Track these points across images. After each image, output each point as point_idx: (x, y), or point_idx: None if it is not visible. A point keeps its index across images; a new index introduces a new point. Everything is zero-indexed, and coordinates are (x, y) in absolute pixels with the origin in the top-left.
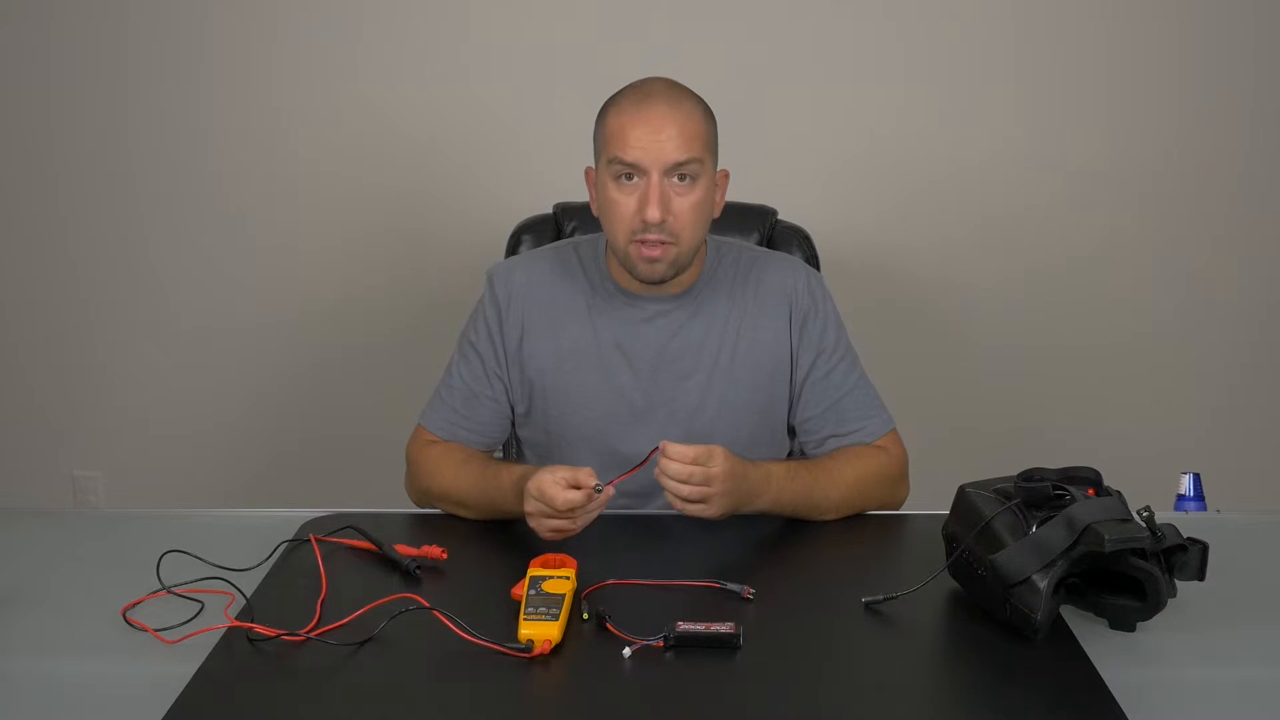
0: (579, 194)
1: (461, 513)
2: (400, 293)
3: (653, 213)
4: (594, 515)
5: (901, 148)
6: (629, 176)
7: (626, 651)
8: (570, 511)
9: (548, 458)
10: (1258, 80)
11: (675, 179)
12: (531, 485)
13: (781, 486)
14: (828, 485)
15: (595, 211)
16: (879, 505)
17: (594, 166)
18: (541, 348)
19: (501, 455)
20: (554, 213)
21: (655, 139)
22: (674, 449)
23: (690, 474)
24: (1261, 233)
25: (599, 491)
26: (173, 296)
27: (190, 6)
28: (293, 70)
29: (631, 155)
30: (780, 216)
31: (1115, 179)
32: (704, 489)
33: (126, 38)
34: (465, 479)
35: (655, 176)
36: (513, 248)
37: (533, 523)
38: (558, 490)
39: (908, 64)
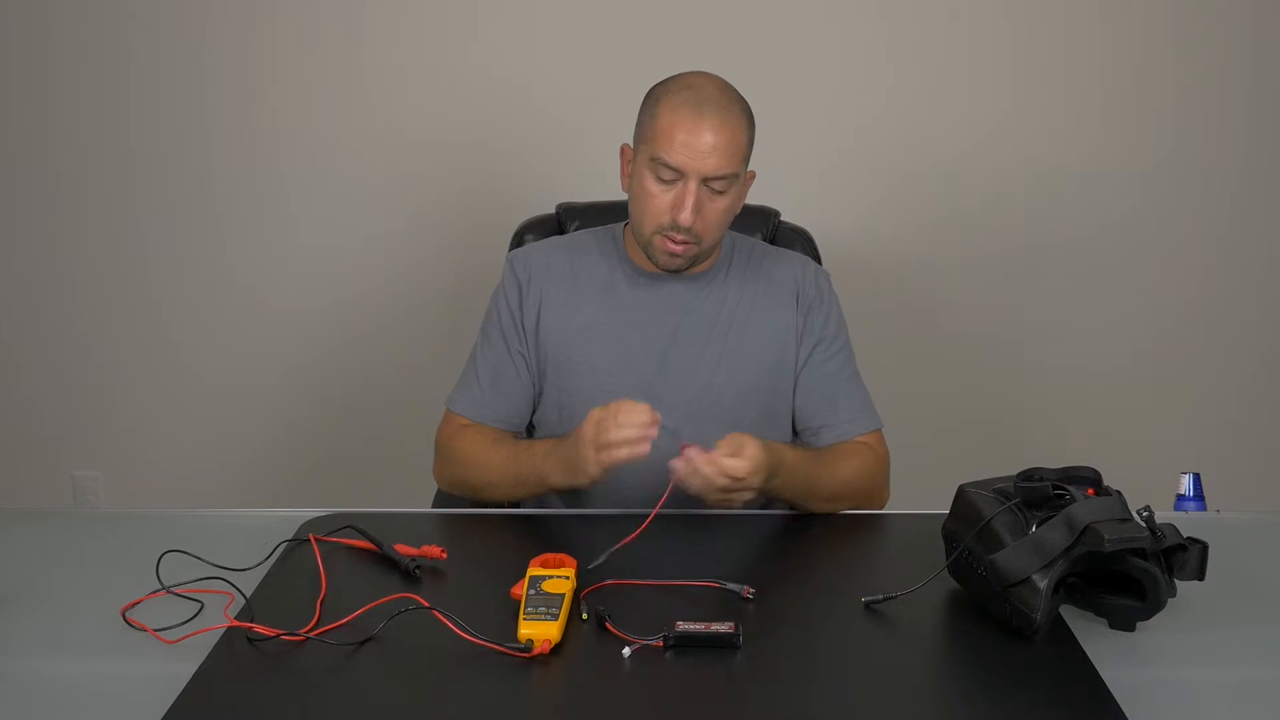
0: (581, 194)
1: (490, 494)
2: (400, 292)
3: (686, 218)
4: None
5: (904, 149)
6: (669, 172)
7: (626, 651)
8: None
9: (560, 434)
10: (1259, 80)
11: (711, 185)
12: (602, 415)
13: (792, 468)
14: (828, 478)
15: (625, 189)
16: (863, 504)
17: (632, 146)
18: (559, 323)
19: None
20: (556, 213)
21: (701, 150)
22: (704, 456)
23: (729, 469)
24: (1264, 232)
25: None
26: (172, 297)
27: (192, 7)
28: (295, 71)
29: (675, 160)
30: (783, 218)
31: (1118, 179)
32: (744, 481)
33: (128, 34)
34: (496, 458)
35: (693, 184)
36: (515, 247)
37: (606, 455)
38: (636, 410)
39: (912, 66)
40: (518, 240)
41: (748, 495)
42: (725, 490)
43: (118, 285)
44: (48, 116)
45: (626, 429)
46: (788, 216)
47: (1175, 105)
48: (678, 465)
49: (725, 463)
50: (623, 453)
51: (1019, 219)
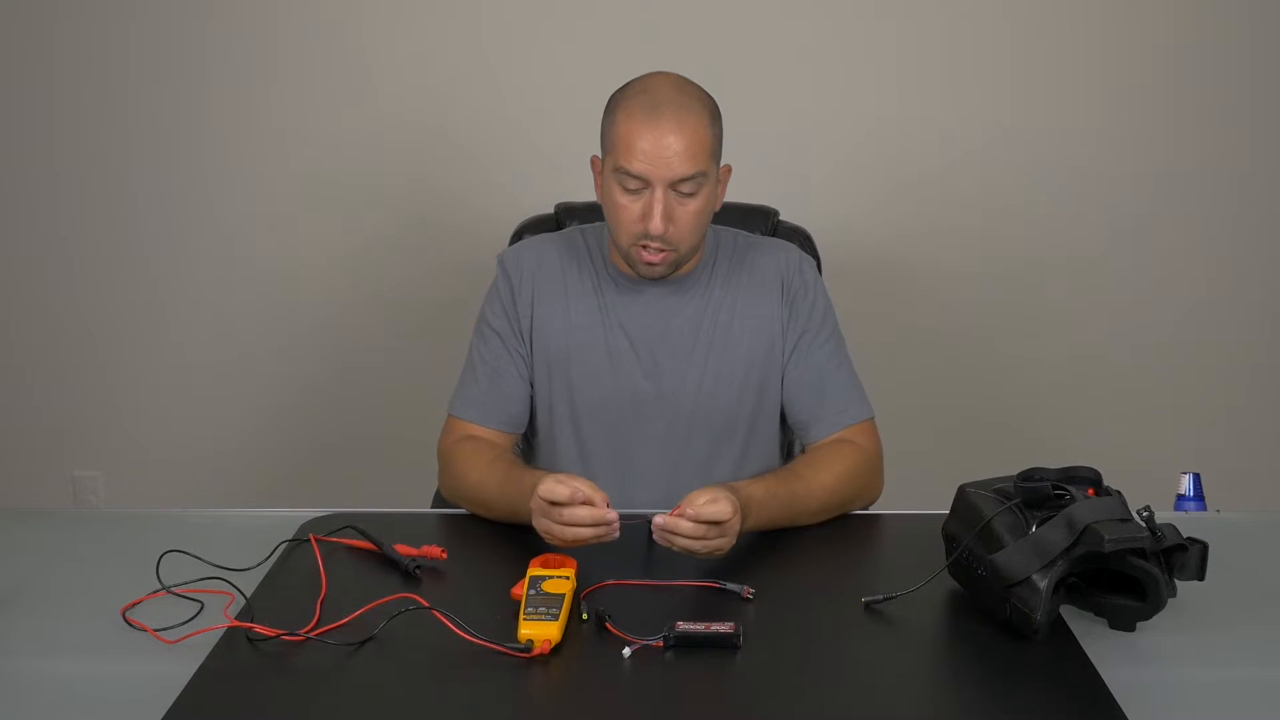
0: (581, 194)
1: (484, 513)
2: (399, 292)
3: (656, 226)
4: (591, 531)
5: (903, 148)
6: (634, 181)
7: (626, 651)
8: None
9: (549, 438)
10: (1260, 80)
11: (679, 188)
12: (540, 486)
13: (761, 507)
14: (806, 496)
15: (599, 200)
16: (855, 502)
17: (600, 157)
18: (552, 322)
19: (522, 446)
20: (555, 212)
21: (662, 154)
22: (686, 525)
23: (707, 531)
24: (1263, 232)
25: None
26: (173, 297)
27: (192, 6)
28: (295, 68)
29: (637, 168)
30: (781, 217)
31: (1118, 178)
32: (722, 540)
33: (127, 32)
34: (490, 479)
35: (659, 191)
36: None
37: (537, 525)
38: (558, 487)
39: (909, 64)
40: (516, 239)
41: (729, 540)
42: (709, 538)
43: (118, 285)
44: (47, 116)
45: (580, 530)
46: (786, 215)
47: (1175, 107)
48: (656, 536)
49: (705, 509)
50: (584, 535)
51: (1019, 219)
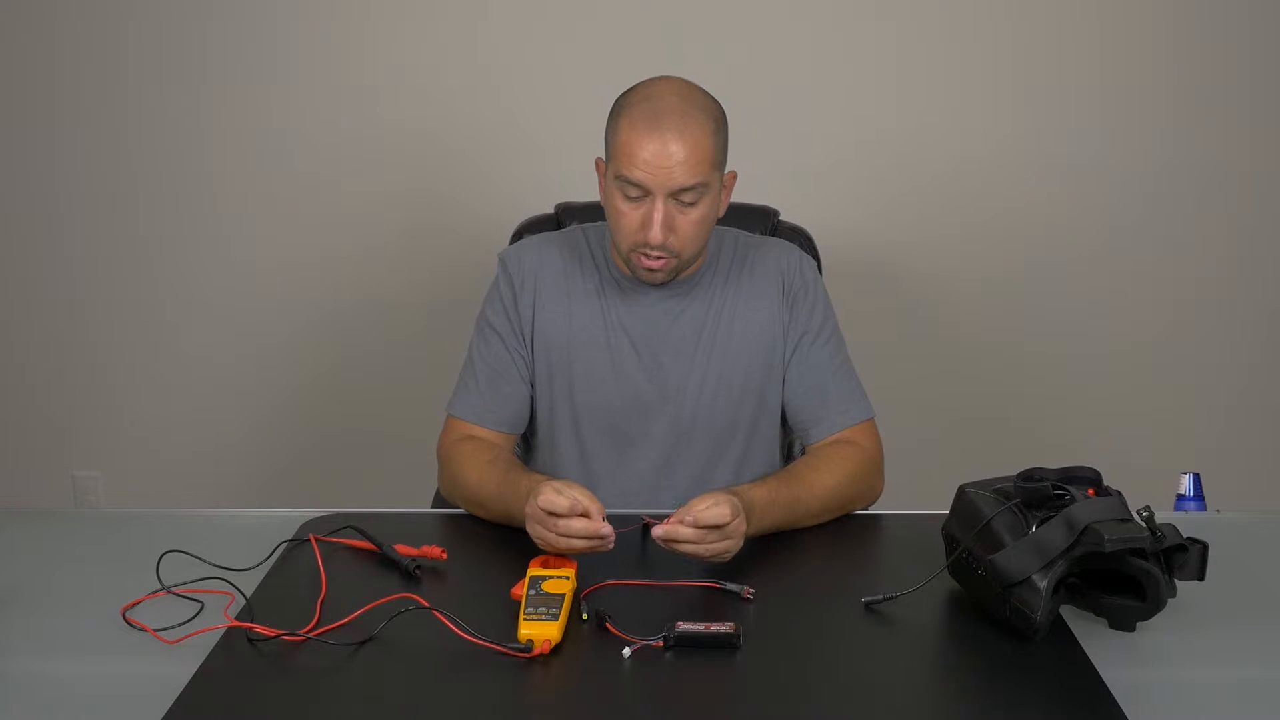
0: (581, 194)
1: (481, 514)
2: (399, 292)
3: (655, 236)
4: (584, 542)
5: (903, 147)
6: (634, 190)
7: (626, 651)
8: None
9: (550, 440)
10: (1259, 79)
11: (680, 198)
12: (539, 498)
13: (764, 511)
14: (808, 499)
15: (602, 203)
16: (857, 503)
17: (604, 160)
18: (554, 324)
19: (521, 447)
20: (555, 212)
21: (663, 164)
22: (686, 532)
23: (706, 535)
24: (1262, 232)
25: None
26: (173, 296)
27: (192, 7)
28: (295, 69)
29: (638, 177)
30: (782, 217)
31: (1116, 178)
32: (728, 542)
33: (127, 32)
34: (488, 480)
35: (659, 201)
36: None
37: (531, 531)
38: (558, 498)
39: (908, 63)
40: (516, 239)
41: (738, 541)
42: (712, 542)
43: (118, 285)
44: (47, 115)
45: (573, 541)
46: (786, 215)
47: (1175, 107)
48: (660, 544)
49: (705, 514)
50: (577, 546)
51: (1019, 219)
